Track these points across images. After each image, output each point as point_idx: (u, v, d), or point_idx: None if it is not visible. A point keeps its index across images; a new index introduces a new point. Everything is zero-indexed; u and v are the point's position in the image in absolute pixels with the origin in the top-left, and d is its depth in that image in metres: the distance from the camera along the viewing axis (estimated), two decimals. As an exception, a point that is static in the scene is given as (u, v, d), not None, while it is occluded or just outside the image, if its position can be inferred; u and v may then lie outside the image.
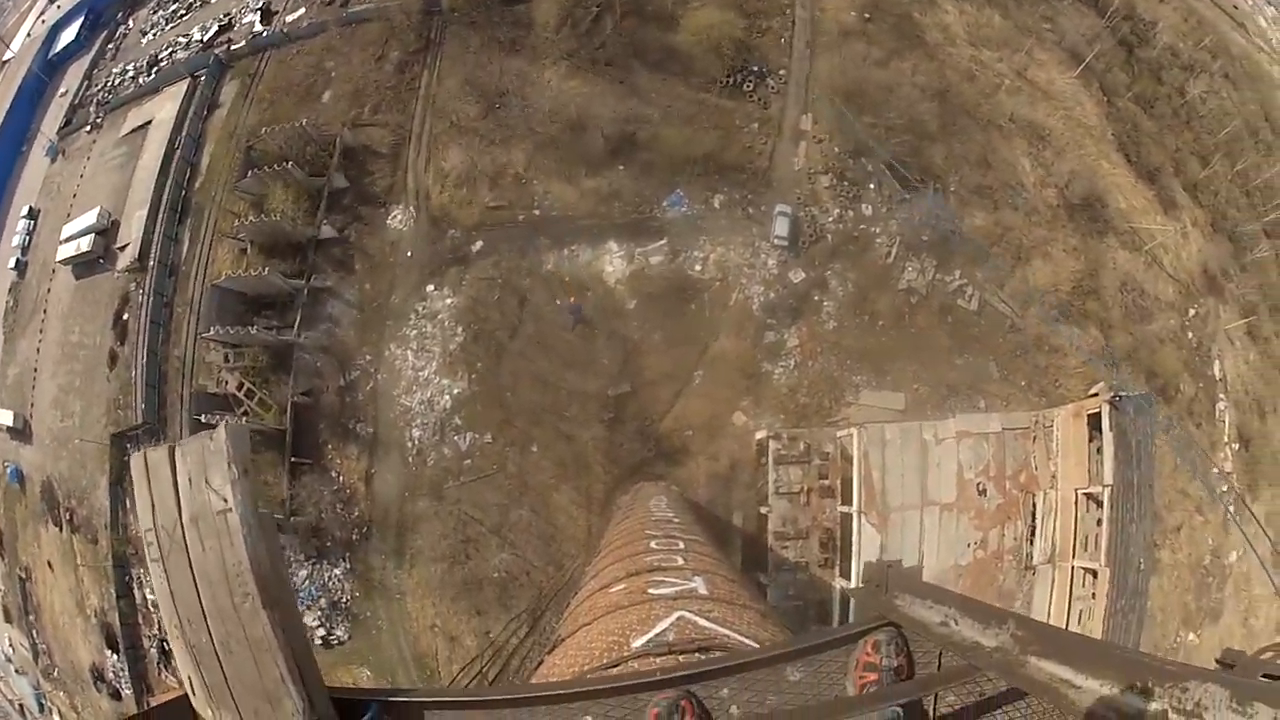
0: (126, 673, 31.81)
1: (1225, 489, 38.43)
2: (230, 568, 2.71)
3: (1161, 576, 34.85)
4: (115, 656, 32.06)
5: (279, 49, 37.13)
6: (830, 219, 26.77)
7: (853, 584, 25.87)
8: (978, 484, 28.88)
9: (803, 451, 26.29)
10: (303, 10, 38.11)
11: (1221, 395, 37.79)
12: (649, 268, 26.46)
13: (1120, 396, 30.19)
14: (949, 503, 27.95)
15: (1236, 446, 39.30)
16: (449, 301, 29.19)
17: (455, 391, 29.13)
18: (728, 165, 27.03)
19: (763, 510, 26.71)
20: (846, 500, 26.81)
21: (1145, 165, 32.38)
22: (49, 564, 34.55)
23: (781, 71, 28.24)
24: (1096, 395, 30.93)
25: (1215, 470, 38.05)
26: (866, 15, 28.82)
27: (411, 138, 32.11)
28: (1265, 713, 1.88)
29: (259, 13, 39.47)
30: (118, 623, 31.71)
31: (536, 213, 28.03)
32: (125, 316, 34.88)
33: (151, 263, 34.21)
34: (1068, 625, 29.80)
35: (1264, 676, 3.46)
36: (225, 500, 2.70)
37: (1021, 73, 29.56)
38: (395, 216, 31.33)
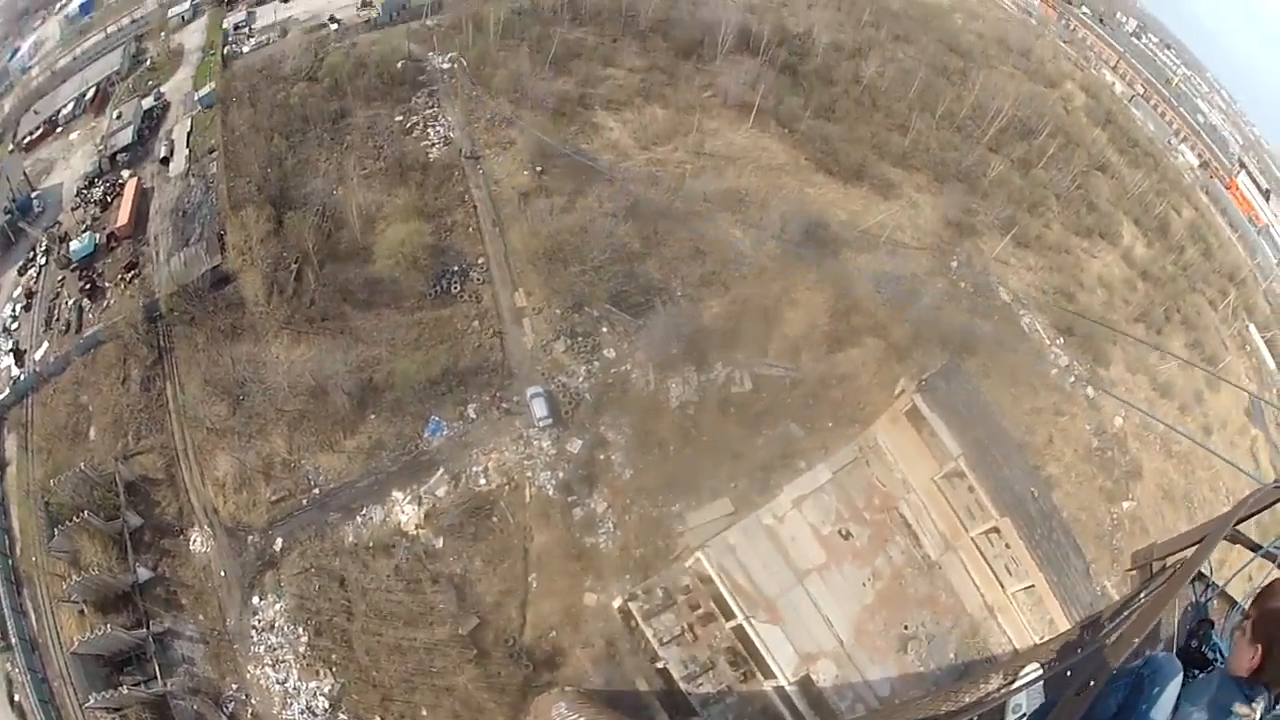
0: None
1: (1073, 379, 40.37)
2: None
3: (1060, 486, 36.00)
4: None
5: (37, 391, 36.40)
6: (580, 379, 27.24)
7: (782, 680, 26.03)
8: (839, 531, 29.68)
9: (664, 597, 26.56)
10: (46, 345, 38.33)
11: (1021, 311, 39.96)
12: (439, 501, 26.34)
13: (924, 380, 31.57)
14: (822, 564, 28.64)
15: (1062, 340, 41.29)
16: (278, 607, 28.40)
17: (326, 690, 28.27)
18: (467, 371, 27.24)
19: (659, 665, 26.78)
20: (729, 615, 27.19)
21: (847, 168, 34.11)
22: None
23: (480, 260, 28.68)
24: (903, 393, 32.31)
25: (1054, 370, 40.04)
26: (538, 168, 29.55)
27: (179, 455, 31.40)
28: None
29: (11, 354, 39.48)
30: None
31: (316, 491, 27.64)
32: (17, 698, 33.53)
33: (14, 640, 33.15)
34: (1003, 586, 30.41)
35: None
36: None
37: (699, 151, 30.80)
38: (195, 540, 30.44)
